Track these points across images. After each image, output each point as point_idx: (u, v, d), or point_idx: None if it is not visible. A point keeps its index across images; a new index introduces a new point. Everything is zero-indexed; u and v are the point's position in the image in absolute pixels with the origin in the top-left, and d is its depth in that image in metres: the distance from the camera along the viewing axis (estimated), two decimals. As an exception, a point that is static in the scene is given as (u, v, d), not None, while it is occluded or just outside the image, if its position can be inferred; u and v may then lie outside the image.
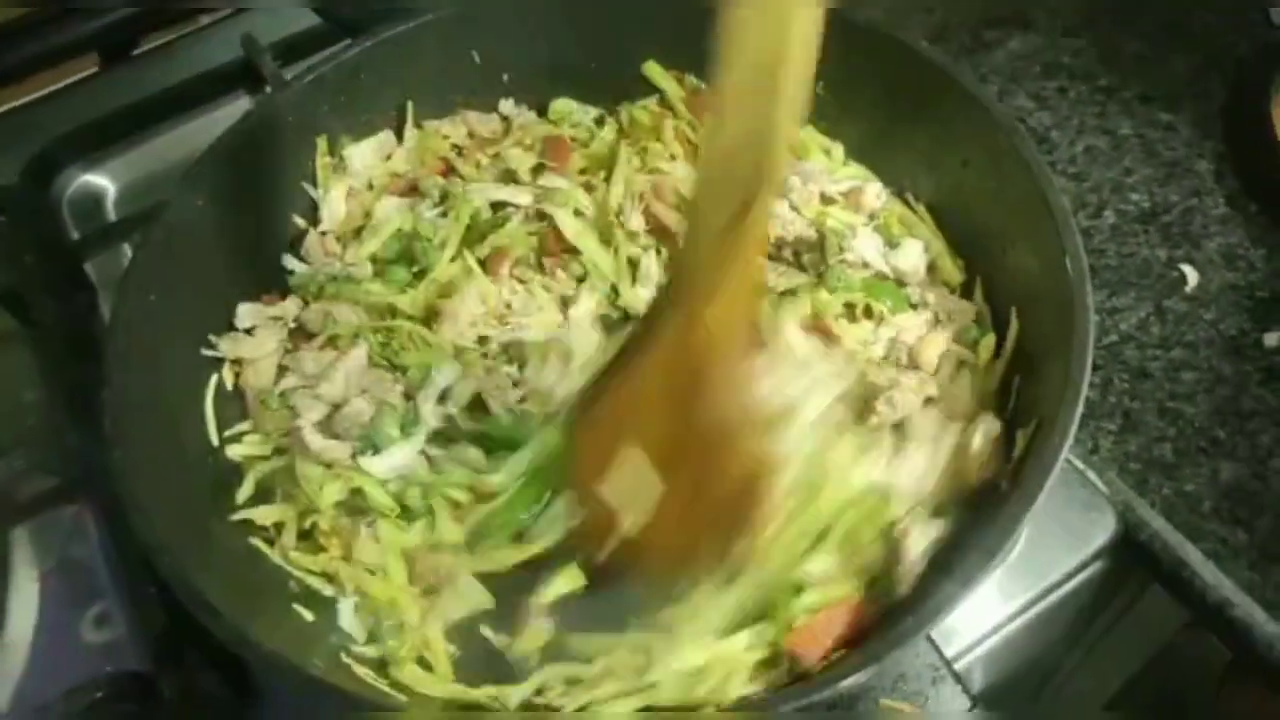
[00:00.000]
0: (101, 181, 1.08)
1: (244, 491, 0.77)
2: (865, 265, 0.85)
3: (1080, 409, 0.64)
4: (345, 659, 0.70)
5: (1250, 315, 0.91)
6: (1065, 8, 1.15)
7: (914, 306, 0.84)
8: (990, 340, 0.80)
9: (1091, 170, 1.02)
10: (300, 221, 0.91)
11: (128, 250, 0.99)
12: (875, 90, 0.89)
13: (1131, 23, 1.13)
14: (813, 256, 0.86)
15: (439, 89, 0.95)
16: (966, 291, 0.84)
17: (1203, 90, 1.07)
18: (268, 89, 1.05)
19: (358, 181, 0.92)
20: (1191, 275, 0.94)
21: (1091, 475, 0.78)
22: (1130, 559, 0.77)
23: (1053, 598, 0.76)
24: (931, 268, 0.86)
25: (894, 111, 0.89)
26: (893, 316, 0.83)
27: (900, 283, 0.85)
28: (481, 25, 0.92)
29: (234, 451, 0.79)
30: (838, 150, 0.93)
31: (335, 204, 0.90)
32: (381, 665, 0.71)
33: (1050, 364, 0.70)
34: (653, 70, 0.95)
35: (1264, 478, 0.83)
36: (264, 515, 0.76)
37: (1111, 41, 1.12)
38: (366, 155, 0.92)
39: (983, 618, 0.74)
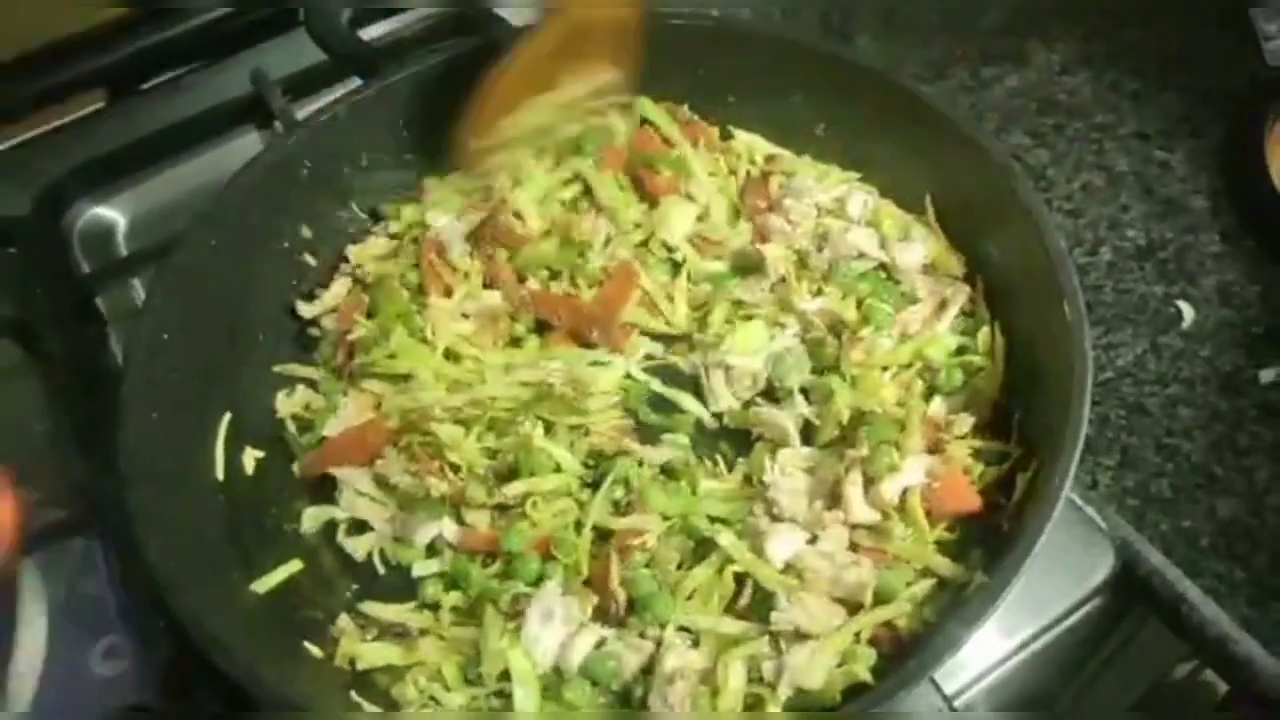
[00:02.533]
0: (112, 214, 1.09)
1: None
2: (862, 255, 0.87)
3: (1079, 451, 0.65)
4: (356, 696, 0.70)
5: (1246, 351, 0.92)
6: (1062, 45, 1.16)
7: (913, 303, 0.86)
8: (986, 333, 0.81)
9: (1088, 207, 1.03)
10: (310, 259, 0.92)
11: (137, 284, 1.00)
12: (873, 130, 0.90)
13: (1127, 60, 1.15)
14: (817, 259, 0.88)
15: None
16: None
17: (1198, 127, 1.08)
18: (277, 125, 1.06)
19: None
20: (1188, 311, 0.95)
21: (1090, 511, 0.79)
22: (1129, 594, 0.78)
23: (1052, 634, 0.76)
24: (931, 266, 0.88)
25: (892, 151, 0.90)
26: (896, 315, 0.84)
27: (895, 279, 0.87)
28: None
29: None
30: (832, 171, 0.94)
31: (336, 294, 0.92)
32: (392, 703, 0.71)
33: (1048, 404, 0.71)
34: (646, 106, 0.96)
35: (1261, 514, 0.84)
36: (273, 579, 0.76)
37: (1108, 79, 1.13)
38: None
39: (984, 654, 0.75)
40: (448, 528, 0.79)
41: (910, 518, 0.74)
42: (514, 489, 0.78)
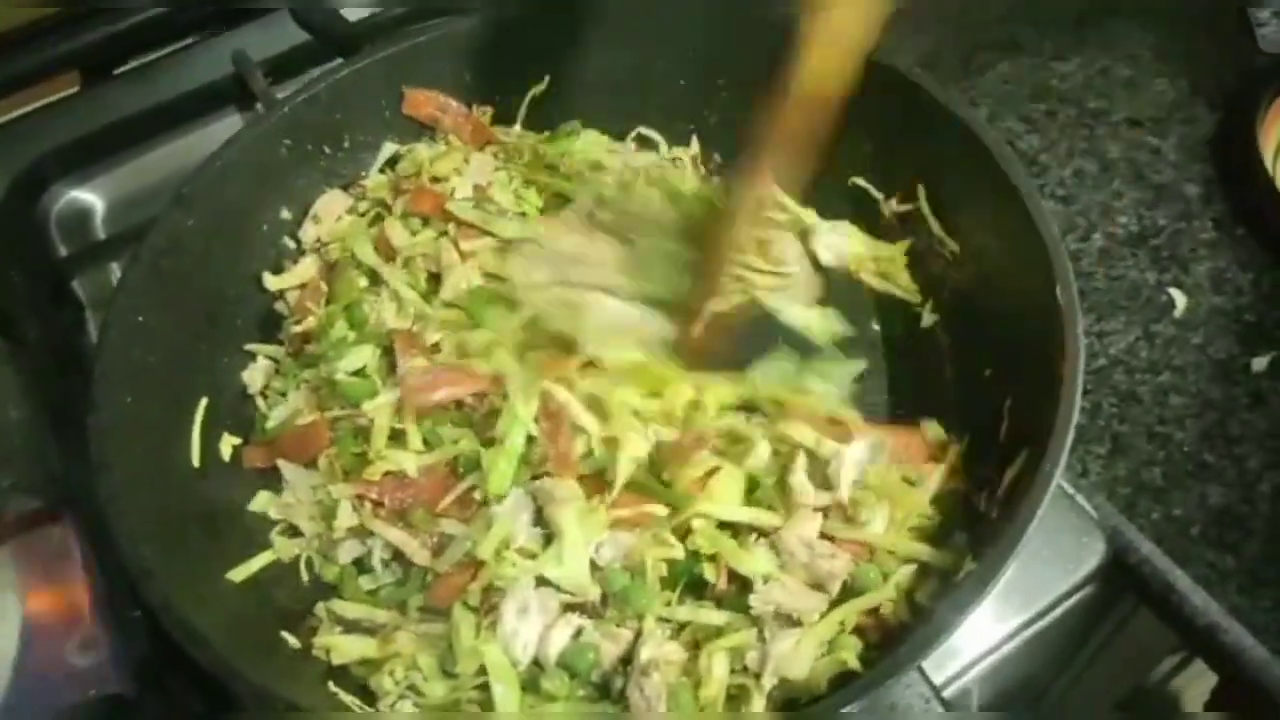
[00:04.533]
0: (89, 198, 1.07)
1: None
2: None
3: (1071, 437, 0.64)
4: (333, 687, 0.69)
5: (1238, 339, 0.92)
6: (1054, 32, 1.15)
7: None
8: None
9: (1080, 193, 1.02)
10: (290, 242, 0.90)
11: (115, 269, 0.99)
12: (866, 116, 0.88)
13: (1120, 47, 1.14)
14: None
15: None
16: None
17: (1191, 114, 1.08)
18: (258, 106, 1.05)
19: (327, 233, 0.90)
20: (1180, 299, 0.95)
21: (1081, 499, 0.79)
22: (1120, 583, 0.78)
23: (1043, 622, 0.76)
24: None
25: (885, 136, 0.89)
26: None
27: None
28: (475, 45, 0.91)
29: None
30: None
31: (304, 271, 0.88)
32: (369, 694, 0.70)
33: (1040, 392, 0.70)
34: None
35: (1252, 502, 0.84)
36: (250, 568, 0.75)
37: (1100, 66, 1.12)
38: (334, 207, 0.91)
39: (974, 642, 0.74)
40: (380, 545, 0.75)
41: (882, 490, 0.73)
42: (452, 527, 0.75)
